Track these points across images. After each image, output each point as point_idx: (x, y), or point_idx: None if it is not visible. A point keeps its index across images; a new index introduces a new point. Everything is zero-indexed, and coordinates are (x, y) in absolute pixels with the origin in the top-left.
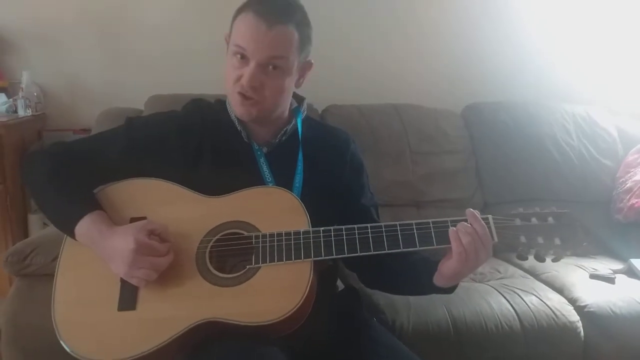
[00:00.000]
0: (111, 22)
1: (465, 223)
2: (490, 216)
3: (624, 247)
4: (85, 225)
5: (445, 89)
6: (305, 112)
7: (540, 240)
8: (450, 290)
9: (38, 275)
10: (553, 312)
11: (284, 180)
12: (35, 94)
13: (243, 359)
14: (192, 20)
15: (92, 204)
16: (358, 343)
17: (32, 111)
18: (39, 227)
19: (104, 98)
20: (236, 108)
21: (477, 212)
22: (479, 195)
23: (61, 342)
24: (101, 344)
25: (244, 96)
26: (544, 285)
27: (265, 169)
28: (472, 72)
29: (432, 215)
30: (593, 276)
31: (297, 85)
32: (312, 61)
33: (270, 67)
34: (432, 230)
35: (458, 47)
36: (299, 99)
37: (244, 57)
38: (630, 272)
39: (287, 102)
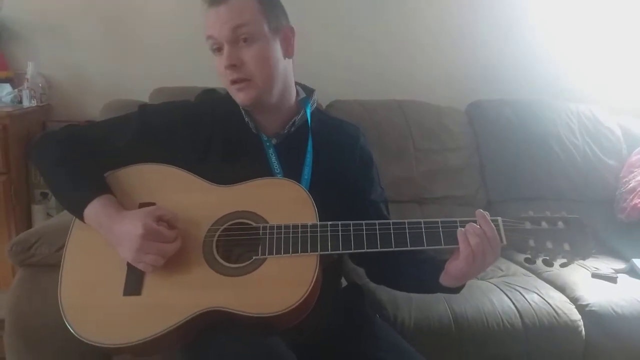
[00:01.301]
0: (117, 14)
1: (474, 224)
2: (499, 218)
3: (626, 246)
4: (94, 209)
5: (449, 86)
6: (315, 103)
7: (549, 245)
8: (456, 290)
9: (42, 265)
10: (554, 310)
11: (292, 172)
12: (40, 84)
13: (247, 349)
14: (198, 13)
15: (102, 188)
16: (360, 338)
17: (36, 102)
18: (43, 218)
19: (109, 90)
20: (236, 97)
21: (487, 214)
22: (483, 192)
23: (67, 324)
24: (106, 328)
25: (236, 82)
26: (545, 284)
27: (274, 160)
28: (476, 69)
29: (435, 212)
30: (595, 275)
31: (287, 53)
32: (293, 27)
33: (241, 40)
34: (440, 230)
35: (462, 44)
36: (308, 90)
37: (220, 49)
38: (633, 272)
39: (284, 76)
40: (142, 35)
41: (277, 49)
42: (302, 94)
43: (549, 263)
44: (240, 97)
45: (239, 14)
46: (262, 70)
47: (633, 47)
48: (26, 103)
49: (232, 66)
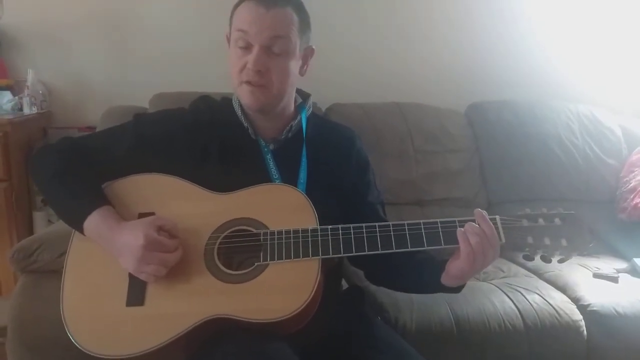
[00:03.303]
0: (116, 20)
1: (473, 223)
2: (497, 217)
3: (627, 246)
4: (94, 221)
5: (449, 88)
6: (311, 108)
7: (547, 241)
8: (457, 289)
9: (44, 271)
10: (556, 311)
11: (289, 177)
12: (40, 91)
13: (250, 355)
14: (197, 19)
15: (101, 199)
16: (361, 341)
17: (37, 109)
18: (44, 225)
19: (109, 96)
20: (244, 97)
21: (485, 213)
22: (483, 194)
23: (70, 336)
24: (109, 339)
25: (251, 84)
26: (547, 284)
27: (271, 165)
28: (476, 71)
29: (435, 214)
30: (596, 275)
31: (302, 72)
32: (314, 47)
33: (274, 49)
34: (440, 230)
35: (462, 46)
36: (304, 95)
37: (247, 45)
38: (634, 272)
39: (292, 91)
40: (141, 41)
41: (298, 66)
42: (299, 100)
43: (546, 259)
44: (250, 99)
45: (282, 26)
46: (281, 83)
47: (633, 48)
48: (27, 110)
49: (258, 72)
